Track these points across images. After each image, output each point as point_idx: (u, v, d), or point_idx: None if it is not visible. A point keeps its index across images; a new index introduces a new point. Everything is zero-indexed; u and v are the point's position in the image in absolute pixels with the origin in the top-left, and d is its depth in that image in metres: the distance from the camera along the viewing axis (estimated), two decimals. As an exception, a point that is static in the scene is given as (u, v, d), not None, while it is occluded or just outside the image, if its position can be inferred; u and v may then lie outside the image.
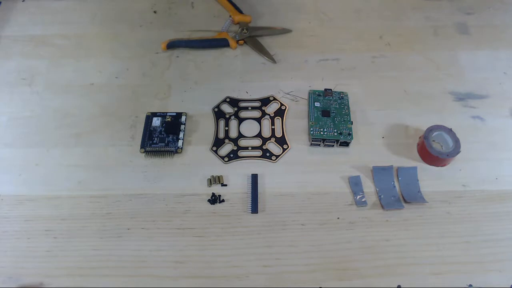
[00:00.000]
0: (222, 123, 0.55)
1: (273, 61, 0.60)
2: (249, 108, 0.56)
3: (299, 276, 0.44)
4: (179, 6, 0.67)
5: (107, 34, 0.64)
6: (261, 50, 0.61)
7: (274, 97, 0.57)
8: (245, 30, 0.62)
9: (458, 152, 0.50)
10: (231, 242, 0.46)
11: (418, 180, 0.50)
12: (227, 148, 0.53)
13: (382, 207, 0.48)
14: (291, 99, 0.57)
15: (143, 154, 0.52)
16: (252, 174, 0.50)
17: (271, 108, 0.56)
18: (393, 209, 0.48)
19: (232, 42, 0.61)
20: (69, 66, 0.60)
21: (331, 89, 0.56)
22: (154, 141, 0.52)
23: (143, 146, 0.52)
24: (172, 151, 0.52)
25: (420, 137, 0.52)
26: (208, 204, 0.49)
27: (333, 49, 0.62)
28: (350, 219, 0.48)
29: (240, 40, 0.62)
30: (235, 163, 0.52)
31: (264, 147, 0.53)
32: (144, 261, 0.45)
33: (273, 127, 0.54)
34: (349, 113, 0.53)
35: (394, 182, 0.50)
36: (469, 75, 0.59)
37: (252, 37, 0.62)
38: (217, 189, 0.50)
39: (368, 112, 0.56)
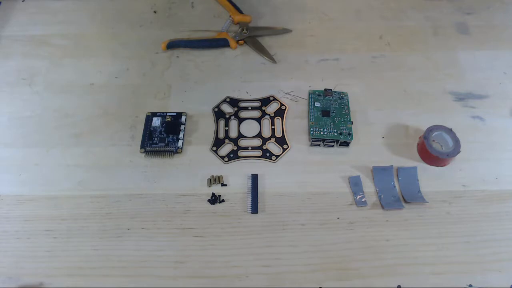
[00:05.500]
0: (222, 123, 0.55)
1: (273, 61, 0.60)
2: (249, 108, 0.56)
3: (299, 276, 0.44)
4: (179, 6, 0.67)
5: (107, 34, 0.64)
6: (261, 50, 0.61)
7: (274, 97, 0.57)
8: (245, 30, 0.62)
9: (458, 152, 0.50)
10: (231, 242, 0.46)
11: (418, 180, 0.50)
12: (227, 148, 0.53)
13: (382, 207, 0.48)
14: (291, 99, 0.57)
15: (143, 154, 0.52)
16: (252, 174, 0.50)
17: (271, 108, 0.56)
18: (393, 209, 0.48)
19: (232, 42, 0.61)
20: (69, 66, 0.60)
21: (331, 89, 0.56)
22: (154, 141, 0.52)
23: (143, 146, 0.52)
24: (172, 151, 0.52)
25: (420, 137, 0.52)
26: (208, 204, 0.49)
27: (333, 49, 0.62)
28: (350, 219, 0.48)
29: (240, 40, 0.62)
30: (235, 163, 0.52)
31: (264, 147, 0.53)
32: (144, 261, 0.45)
33: (273, 127, 0.54)
34: (349, 113, 0.53)
35: (394, 182, 0.50)
36: (469, 75, 0.59)
37: (252, 37, 0.62)
38: (217, 189, 0.50)
39: (368, 112, 0.56)
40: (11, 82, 0.59)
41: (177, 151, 0.52)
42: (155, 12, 0.67)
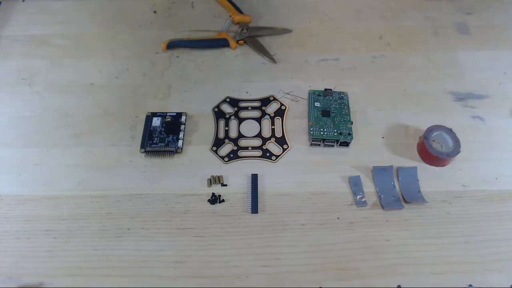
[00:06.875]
0: (222, 123, 0.55)
1: (273, 61, 0.60)
2: (249, 108, 0.56)
3: (299, 276, 0.44)
4: (179, 6, 0.67)
5: (107, 34, 0.64)
6: (261, 50, 0.61)
7: (274, 97, 0.57)
8: (245, 30, 0.62)
9: (458, 152, 0.50)
10: (231, 242, 0.46)
11: (418, 180, 0.50)
12: (227, 148, 0.53)
13: (382, 207, 0.48)
14: (291, 99, 0.57)
15: (143, 154, 0.52)
16: (252, 174, 0.50)
17: (271, 108, 0.56)
18: (393, 209, 0.48)
19: (232, 42, 0.61)
20: (69, 66, 0.60)
21: (331, 89, 0.56)
22: (154, 141, 0.52)
23: (143, 146, 0.52)
24: (172, 151, 0.52)
25: (420, 137, 0.52)
26: (208, 204, 0.49)
27: (333, 49, 0.62)
28: (350, 219, 0.48)
29: (240, 40, 0.62)
30: (235, 163, 0.52)
31: (264, 147, 0.53)
32: (144, 261, 0.45)
33: (273, 127, 0.54)
34: (349, 113, 0.53)
35: (394, 182, 0.50)
36: (469, 75, 0.59)
37: (252, 37, 0.62)
38: (217, 189, 0.50)
39: (368, 112, 0.56)
40: (11, 82, 0.59)
41: (177, 151, 0.52)
42: (155, 12, 0.67)
